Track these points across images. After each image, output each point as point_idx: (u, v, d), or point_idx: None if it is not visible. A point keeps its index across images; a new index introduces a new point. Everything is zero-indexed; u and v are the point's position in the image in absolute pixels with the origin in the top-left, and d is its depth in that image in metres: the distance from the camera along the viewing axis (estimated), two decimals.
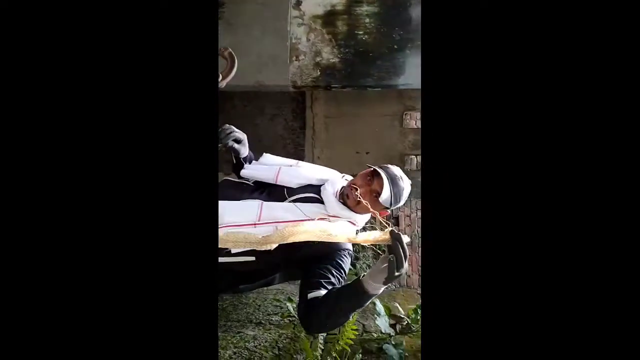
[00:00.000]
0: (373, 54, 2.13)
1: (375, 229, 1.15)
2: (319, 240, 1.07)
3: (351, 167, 1.32)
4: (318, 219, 1.10)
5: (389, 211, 1.16)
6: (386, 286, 0.96)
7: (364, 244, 1.15)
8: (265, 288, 2.77)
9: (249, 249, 1.05)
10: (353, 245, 1.21)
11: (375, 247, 1.19)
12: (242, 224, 1.08)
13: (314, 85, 2.17)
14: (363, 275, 0.99)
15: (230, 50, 1.46)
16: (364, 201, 1.07)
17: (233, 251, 1.07)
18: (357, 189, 1.11)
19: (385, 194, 1.09)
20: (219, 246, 1.06)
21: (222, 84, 1.41)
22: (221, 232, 1.06)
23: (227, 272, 1.17)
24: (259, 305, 2.49)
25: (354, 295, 0.98)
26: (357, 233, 1.17)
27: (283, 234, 1.04)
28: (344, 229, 1.13)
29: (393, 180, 1.11)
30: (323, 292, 1.02)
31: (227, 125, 1.25)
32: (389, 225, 0.98)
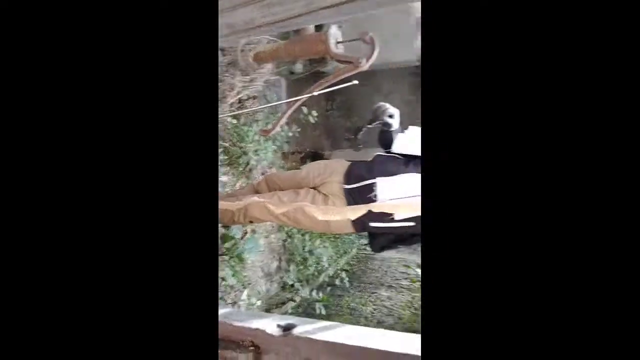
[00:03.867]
0: None
1: None
2: None
3: None
4: None
5: None
6: None
7: None
8: (387, 256, 2.95)
9: (414, 214, 1.21)
10: None
11: None
12: (403, 197, 1.23)
13: None
14: None
15: (371, 34, 1.59)
16: None
17: (396, 218, 1.23)
18: None
19: None
20: (389, 211, 1.23)
21: (366, 66, 1.56)
22: (393, 202, 1.22)
23: (388, 234, 1.35)
24: (386, 271, 2.68)
25: None
26: None
27: None
28: None
29: None
30: None
31: (382, 102, 1.40)
32: None
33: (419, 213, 1.20)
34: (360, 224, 1.34)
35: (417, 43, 2.16)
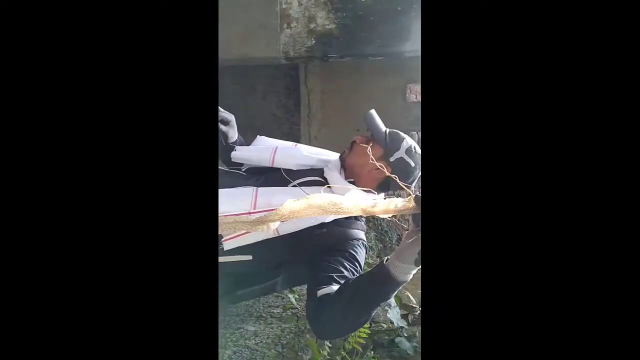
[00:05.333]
0: (374, 18, 1.90)
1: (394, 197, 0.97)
2: (327, 214, 0.88)
3: None
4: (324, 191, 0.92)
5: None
6: (419, 267, 0.75)
7: (384, 216, 0.93)
8: None
9: (243, 232, 0.87)
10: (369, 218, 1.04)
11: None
12: (234, 213, 0.89)
13: (308, 56, 1.95)
14: (387, 259, 0.79)
15: None
16: (377, 163, 0.89)
17: (225, 248, 0.90)
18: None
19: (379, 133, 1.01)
20: None
21: None
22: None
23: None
24: (259, 297, 2.35)
25: (377, 284, 0.78)
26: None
27: (282, 211, 0.84)
28: (357, 199, 0.86)
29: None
30: (336, 287, 0.84)
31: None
32: (411, 191, 0.80)
33: (251, 240, 0.89)
34: None
35: (283, 37, 1.90)
